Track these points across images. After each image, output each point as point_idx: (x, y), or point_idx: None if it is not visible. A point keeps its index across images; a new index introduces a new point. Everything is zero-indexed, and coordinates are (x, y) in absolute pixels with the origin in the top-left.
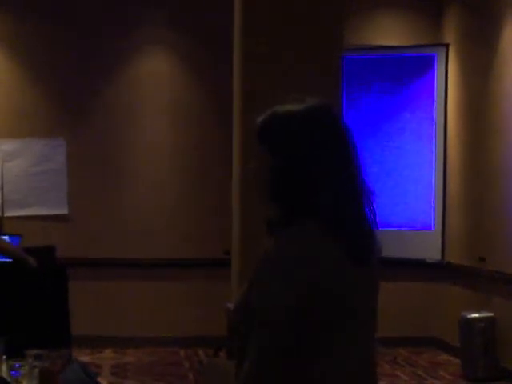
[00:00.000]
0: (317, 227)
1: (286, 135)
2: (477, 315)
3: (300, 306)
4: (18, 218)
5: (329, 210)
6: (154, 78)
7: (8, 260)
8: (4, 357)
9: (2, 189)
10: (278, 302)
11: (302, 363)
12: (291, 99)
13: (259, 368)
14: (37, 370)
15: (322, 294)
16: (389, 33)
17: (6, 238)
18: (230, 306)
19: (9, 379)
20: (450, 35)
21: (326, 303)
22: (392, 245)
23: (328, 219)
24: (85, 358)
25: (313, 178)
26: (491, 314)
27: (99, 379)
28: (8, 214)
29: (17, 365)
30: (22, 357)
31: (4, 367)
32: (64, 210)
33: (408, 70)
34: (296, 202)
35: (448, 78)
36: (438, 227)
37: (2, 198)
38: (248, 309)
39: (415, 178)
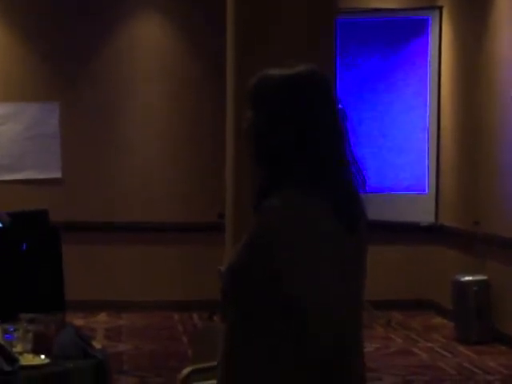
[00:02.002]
0: (302, 192)
1: (273, 98)
2: (471, 278)
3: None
4: (11, 181)
5: (314, 175)
6: (147, 43)
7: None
8: None
9: None
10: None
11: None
12: (282, 65)
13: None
14: (31, 334)
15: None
16: None
17: None
18: (223, 269)
19: (3, 343)
20: None
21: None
22: (385, 208)
23: (313, 184)
24: (79, 321)
25: (297, 140)
26: (485, 277)
27: (93, 343)
28: (1, 177)
29: (11, 328)
30: (15, 320)
31: None
32: (57, 174)
33: (402, 33)
34: (280, 164)
35: (442, 40)
36: (432, 190)
37: None
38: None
39: (409, 141)
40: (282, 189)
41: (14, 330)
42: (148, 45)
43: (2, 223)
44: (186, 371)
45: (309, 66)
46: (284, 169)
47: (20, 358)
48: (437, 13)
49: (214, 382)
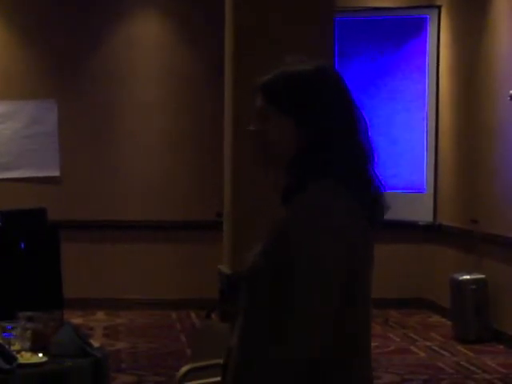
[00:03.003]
0: (331, 189)
1: (297, 95)
2: (468, 277)
3: (342, 267)
4: (9, 179)
5: (342, 171)
6: (146, 41)
7: None
8: None
9: None
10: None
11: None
12: (291, 60)
13: (313, 334)
14: (29, 332)
15: (354, 252)
16: None
17: None
18: (222, 268)
19: (1, 341)
20: None
21: (357, 263)
22: None
23: (342, 180)
24: (77, 320)
25: (325, 138)
26: (483, 276)
27: (91, 341)
28: None
29: (9, 326)
30: (14, 319)
31: None
32: (56, 172)
33: (400, 32)
34: (308, 163)
35: (440, 39)
36: (430, 189)
37: None
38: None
39: (407, 140)
40: (317, 183)
41: (13, 328)
42: (147, 43)
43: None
44: (184, 369)
45: (322, 61)
46: (318, 163)
47: (18, 356)
48: (435, 12)
49: (212, 380)
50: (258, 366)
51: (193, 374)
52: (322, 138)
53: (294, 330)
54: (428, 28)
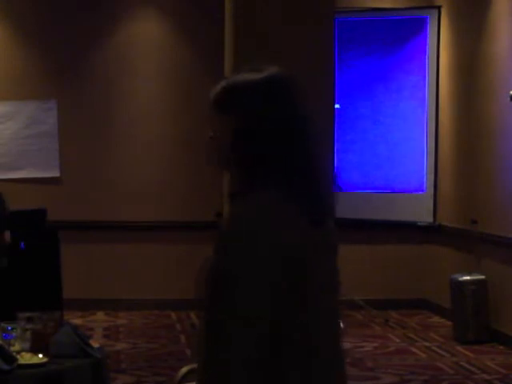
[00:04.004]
0: (270, 197)
1: (237, 102)
2: (468, 278)
3: (276, 280)
4: (9, 180)
5: (282, 177)
6: (145, 41)
7: None
8: None
9: None
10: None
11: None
12: (248, 68)
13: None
14: (29, 333)
15: (292, 263)
16: None
17: None
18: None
19: (1, 341)
20: None
21: (297, 273)
22: (383, 207)
23: (283, 186)
24: (77, 320)
25: (273, 141)
26: (482, 277)
27: (91, 341)
28: None
29: (9, 327)
30: (13, 319)
31: None
32: (55, 173)
33: (400, 33)
34: (249, 169)
35: (440, 40)
36: (430, 189)
37: None
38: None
39: (407, 141)
40: (256, 191)
41: (12, 329)
42: (147, 43)
43: None
44: (184, 370)
45: (278, 68)
46: (259, 171)
47: (18, 356)
48: (435, 12)
49: None
50: (210, 367)
51: (193, 374)
52: (260, 144)
53: (230, 331)
54: (428, 28)
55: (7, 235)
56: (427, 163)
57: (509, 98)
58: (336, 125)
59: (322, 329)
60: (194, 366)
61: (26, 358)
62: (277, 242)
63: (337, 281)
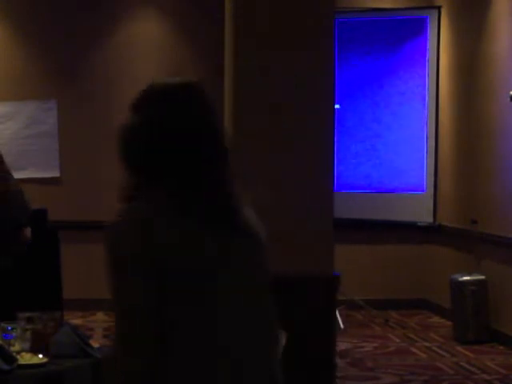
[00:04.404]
0: (159, 200)
1: (145, 102)
2: (468, 278)
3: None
4: None
5: (175, 181)
6: (145, 40)
7: None
8: None
9: None
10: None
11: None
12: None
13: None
14: (29, 333)
15: (164, 262)
16: None
17: None
18: None
19: (1, 342)
20: None
21: (174, 276)
22: (383, 207)
23: (181, 185)
24: (77, 321)
25: (167, 140)
26: (482, 277)
27: (91, 342)
28: None
29: (9, 327)
30: (13, 319)
31: None
32: (55, 173)
33: (400, 33)
34: (145, 170)
35: (440, 40)
36: (430, 189)
37: None
38: None
39: (407, 141)
40: (147, 193)
41: (12, 329)
42: (147, 43)
43: None
44: None
45: (188, 78)
46: (150, 173)
47: (18, 357)
48: (435, 12)
49: None
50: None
51: None
52: (163, 140)
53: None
54: (428, 29)
55: (28, 231)
56: (427, 163)
57: (509, 98)
58: (336, 125)
59: (221, 328)
60: None
61: (26, 358)
62: (148, 241)
63: (255, 281)
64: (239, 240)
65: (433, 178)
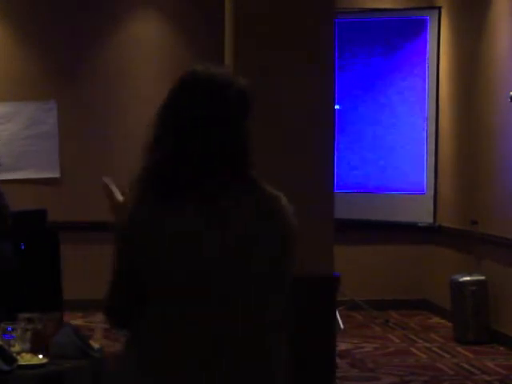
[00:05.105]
0: (142, 192)
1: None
2: (468, 278)
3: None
4: (10, 181)
5: (153, 175)
6: (145, 40)
7: None
8: None
9: None
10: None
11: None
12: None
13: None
14: (29, 333)
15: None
16: None
17: None
18: None
19: (1, 342)
20: None
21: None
22: (384, 208)
23: (156, 183)
24: (77, 321)
25: (154, 141)
26: (482, 277)
27: (91, 342)
28: None
29: (9, 328)
30: (14, 320)
31: None
32: (56, 174)
33: (400, 33)
34: (142, 163)
35: (440, 41)
36: (430, 190)
37: None
38: None
39: (407, 142)
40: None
41: (13, 330)
42: (147, 44)
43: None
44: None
45: (198, 66)
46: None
47: (18, 357)
48: (435, 13)
49: None
50: None
51: None
52: (152, 140)
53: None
54: (428, 29)
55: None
56: (427, 164)
57: (509, 98)
58: (336, 125)
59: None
60: None
61: (26, 359)
62: (133, 218)
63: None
64: (229, 217)
65: (433, 179)
